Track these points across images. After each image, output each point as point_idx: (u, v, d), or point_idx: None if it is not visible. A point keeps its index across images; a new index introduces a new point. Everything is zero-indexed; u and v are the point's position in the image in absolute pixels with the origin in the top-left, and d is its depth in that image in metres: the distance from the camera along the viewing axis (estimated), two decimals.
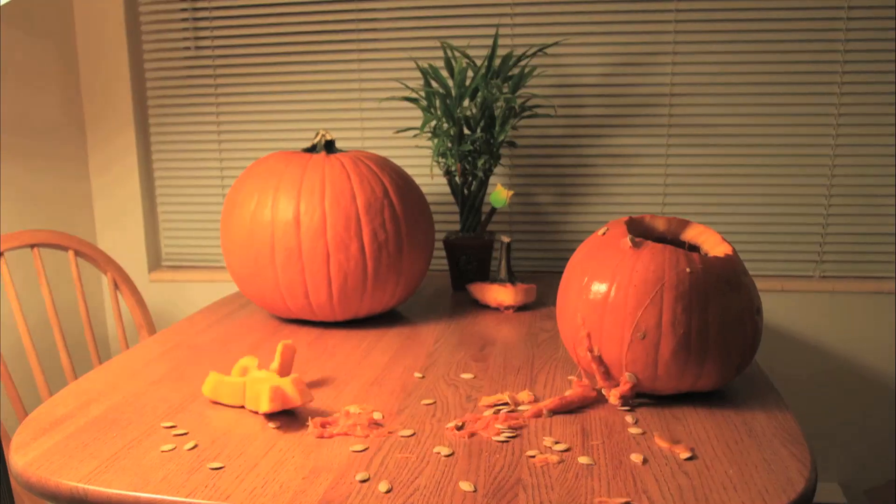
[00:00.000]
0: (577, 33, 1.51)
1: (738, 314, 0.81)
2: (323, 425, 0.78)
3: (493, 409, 0.83)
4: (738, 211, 1.54)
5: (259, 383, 0.81)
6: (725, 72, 1.48)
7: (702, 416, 0.81)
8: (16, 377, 1.46)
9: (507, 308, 1.27)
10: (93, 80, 1.64)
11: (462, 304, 1.33)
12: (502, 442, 0.75)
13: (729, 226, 1.55)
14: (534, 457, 0.71)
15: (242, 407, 0.84)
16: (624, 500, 0.63)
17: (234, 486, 0.66)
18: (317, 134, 1.22)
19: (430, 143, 1.58)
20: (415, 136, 1.49)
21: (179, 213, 1.73)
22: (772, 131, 1.50)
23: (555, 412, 0.82)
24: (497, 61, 1.44)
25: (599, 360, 0.85)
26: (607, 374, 0.87)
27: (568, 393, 0.85)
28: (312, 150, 1.21)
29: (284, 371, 0.91)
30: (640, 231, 0.93)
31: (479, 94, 1.32)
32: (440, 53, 1.55)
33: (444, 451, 0.73)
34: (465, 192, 1.39)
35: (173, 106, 1.67)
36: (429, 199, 1.62)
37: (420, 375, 0.95)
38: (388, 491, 0.65)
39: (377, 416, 0.81)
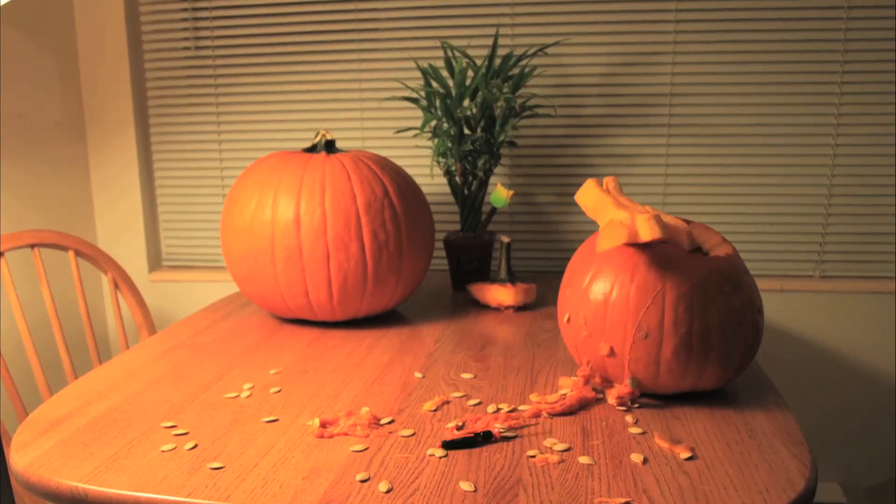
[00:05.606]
0: (577, 33, 1.51)
1: (739, 314, 0.81)
2: (323, 425, 0.78)
3: (493, 409, 0.83)
4: (738, 211, 1.54)
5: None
6: (725, 72, 1.48)
7: (702, 416, 0.81)
8: (16, 377, 1.45)
9: (507, 308, 1.27)
10: (93, 80, 1.64)
11: (462, 304, 1.32)
12: (502, 442, 0.75)
13: (729, 226, 1.55)
14: (534, 457, 0.71)
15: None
16: (624, 500, 0.63)
17: (234, 486, 0.66)
18: (317, 134, 1.21)
19: (430, 143, 1.58)
20: (415, 136, 1.49)
21: (179, 213, 1.73)
22: (772, 131, 1.50)
23: (554, 413, 0.82)
24: (497, 61, 1.44)
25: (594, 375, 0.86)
26: (608, 382, 0.87)
27: (568, 393, 0.85)
28: (313, 149, 1.21)
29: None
30: None
31: (480, 93, 1.32)
32: (440, 53, 1.54)
33: (444, 451, 0.73)
34: (465, 192, 1.39)
35: (173, 106, 1.67)
36: (429, 199, 1.62)
37: (420, 375, 0.95)
38: (389, 491, 0.65)
39: (384, 420, 0.81)
